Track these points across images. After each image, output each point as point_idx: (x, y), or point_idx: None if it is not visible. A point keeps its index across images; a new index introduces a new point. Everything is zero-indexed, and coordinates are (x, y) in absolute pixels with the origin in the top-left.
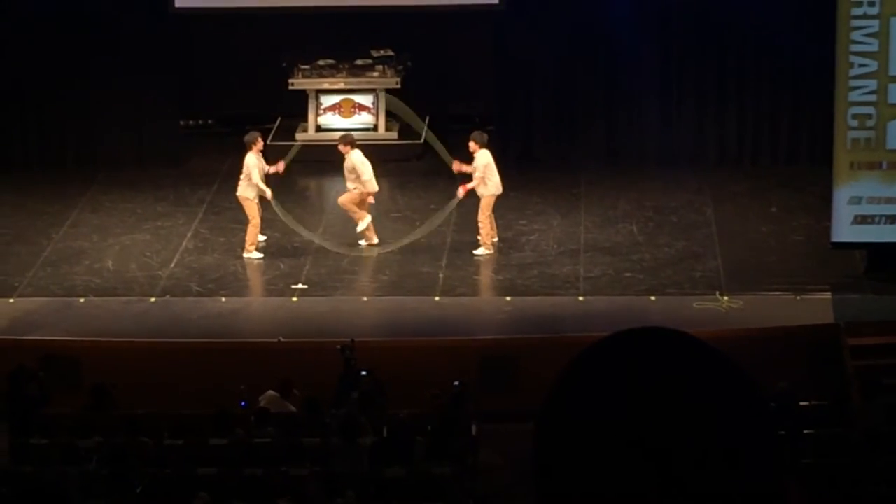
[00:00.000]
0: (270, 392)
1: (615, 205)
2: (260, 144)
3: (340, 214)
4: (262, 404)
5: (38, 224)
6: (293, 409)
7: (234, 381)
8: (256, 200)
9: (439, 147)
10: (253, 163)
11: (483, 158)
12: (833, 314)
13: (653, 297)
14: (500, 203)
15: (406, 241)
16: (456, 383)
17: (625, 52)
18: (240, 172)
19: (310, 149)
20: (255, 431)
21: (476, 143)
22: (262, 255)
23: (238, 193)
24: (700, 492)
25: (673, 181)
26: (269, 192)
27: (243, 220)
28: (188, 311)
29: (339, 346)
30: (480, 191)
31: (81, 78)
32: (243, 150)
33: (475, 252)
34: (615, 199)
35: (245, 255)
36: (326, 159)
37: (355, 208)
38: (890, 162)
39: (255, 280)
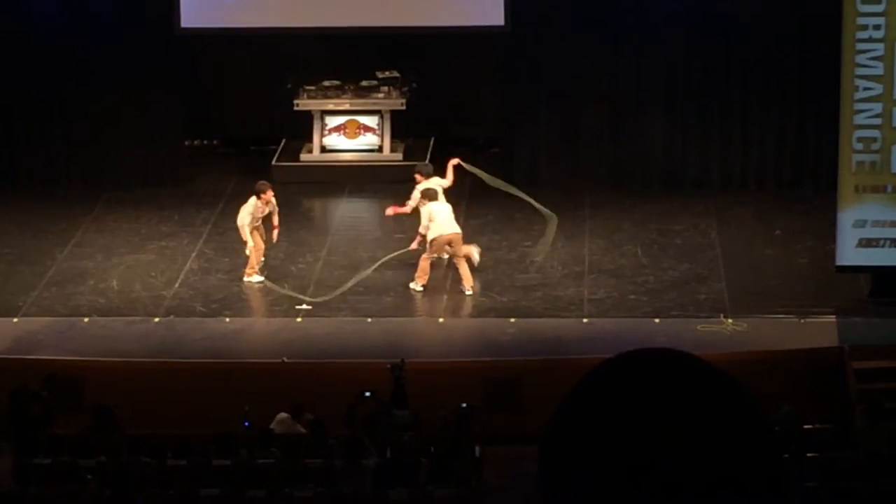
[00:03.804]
0: (283, 414)
1: (620, 227)
2: (268, 196)
3: (345, 236)
4: (273, 426)
5: (43, 243)
6: (304, 431)
7: (238, 401)
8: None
9: (531, 201)
10: (250, 208)
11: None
12: (837, 337)
13: (657, 320)
14: (504, 224)
15: (346, 286)
16: (463, 405)
17: (630, 74)
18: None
19: (314, 170)
20: (258, 453)
21: (422, 174)
22: (262, 279)
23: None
24: None
25: (677, 204)
26: (249, 245)
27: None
28: (192, 331)
29: (388, 366)
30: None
31: (87, 97)
32: (248, 169)
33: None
34: (620, 222)
35: (245, 278)
36: (330, 181)
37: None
38: (895, 185)
39: (259, 301)
